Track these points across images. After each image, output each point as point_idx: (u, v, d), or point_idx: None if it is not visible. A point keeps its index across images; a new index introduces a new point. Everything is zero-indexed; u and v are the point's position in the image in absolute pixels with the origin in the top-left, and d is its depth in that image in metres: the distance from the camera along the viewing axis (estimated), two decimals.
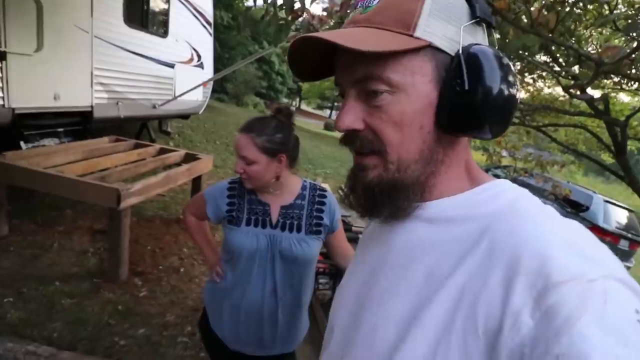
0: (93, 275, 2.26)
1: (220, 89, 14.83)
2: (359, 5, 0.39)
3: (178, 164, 3.16)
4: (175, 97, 4.45)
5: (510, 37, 1.49)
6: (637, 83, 2.84)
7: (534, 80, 3.91)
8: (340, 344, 0.45)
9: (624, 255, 5.02)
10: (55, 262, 2.32)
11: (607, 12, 1.98)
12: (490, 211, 0.36)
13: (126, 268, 2.29)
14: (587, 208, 5.26)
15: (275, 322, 1.01)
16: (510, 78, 0.36)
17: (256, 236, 0.99)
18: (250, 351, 1.04)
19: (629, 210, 5.52)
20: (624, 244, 5.08)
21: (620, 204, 5.51)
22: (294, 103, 24.79)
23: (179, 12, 4.58)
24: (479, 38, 0.39)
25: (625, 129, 2.07)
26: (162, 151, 3.32)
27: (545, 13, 1.30)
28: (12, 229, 2.51)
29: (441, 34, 0.36)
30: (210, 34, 5.44)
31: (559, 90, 4.07)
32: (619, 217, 5.33)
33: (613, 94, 3.58)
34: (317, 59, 0.41)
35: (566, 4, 1.49)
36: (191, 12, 4.88)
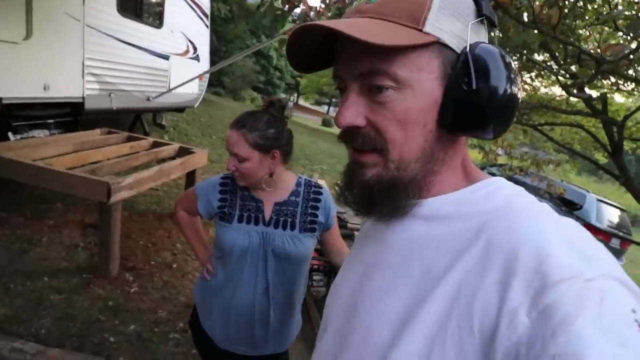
0: (83, 271, 2.22)
1: (217, 82, 14.71)
2: None
3: (172, 158, 3.11)
4: (169, 90, 4.38)
5: (511, 33, 1.46)
6: (633, 84, 2.85)
7: (532, 79, 3.91)
8: (335, 342, 0.44)
9: (615, 254, 5.04)
10: (44, 257, 2.27)
11: (606, 11, 1.97)
12: (487, 209, 0.36)
13: (117, 263, 2.26)
14: (581, 207, 5.34)
15: (267, 322, 0.98)
16: (515, 78, 0.35)
17: (248, 233, 0.96)
18: (242, 351, 1.02)
19: (621, 209, 5.62)
20: (615, 243, 5.17)
21: (613, 203, 5.61)
22: (292, 98, 24.69)
23: (175, 3, 4.49)
24: (482, 36, 0.39)
25: (622, 129, 2.07)
26: (156, 144, 3.27)
27: (546, 10, 1.28)
28: (0, 223, 2.45)
29: (449, 31, 0.35)
30: (207, 26, 5.35)
31: (555, 90, 4.08)
32: (611, 215, 5.42)
33: (609, 95, 3.59)
34: (316, 49, 0.40)
35: (567, 1, 1.47)
36: (187, 2, 4.79)
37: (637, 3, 1.94)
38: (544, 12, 1.27)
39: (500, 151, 4.26)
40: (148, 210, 3.22)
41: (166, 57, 4.42)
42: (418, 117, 0.36)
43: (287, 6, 1.46)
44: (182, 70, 4.67)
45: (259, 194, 0.99)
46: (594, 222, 5.09)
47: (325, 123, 19.23)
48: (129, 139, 3.25)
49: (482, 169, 0.55)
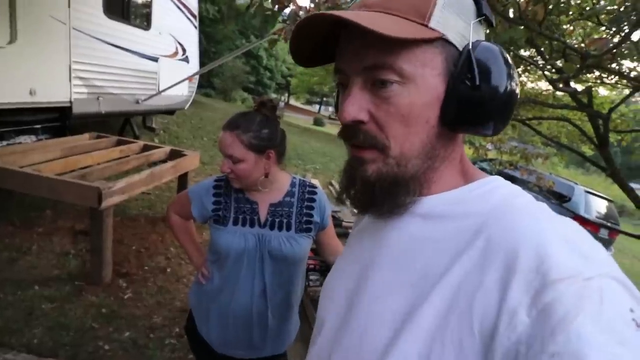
0: (75, 278, 2.18)
1: (207, 83, 14.57)
2: None
3: (163, 161, 3.07)
4: (159, 92, 4.33)
5: (498, 30, 1.48)
6: (617, 77, 2.92)
7: (519, 75, 3.97)
8: (330, 342, 0.44)
9: (604, 244, 5.11)
10: (34, 265, 2.23)
11: (589, 7, 2.01)
12: (485, 208, 0.36)
13: (110, 269, 2.22)
14: (569, 199, 5.45)
15: (265, 324, 0.98)
16: (514, 75, 0.36)
17: (244, 236, 0.95)
18: (240, 354, 1.01)
19: (608, 200, 5.74)
20: (603, 233, 5.29)
21: (600, 194, 5.73)
22: (282, 98, 24.61)
23: (163, 4, 4.43)
24: (481, 35, 0.39)
25: (607, 121, 2.11)
26: (146, 148, 3.23)
27: (532, 7, 1.30)
28: None
29: (453, 27, 0.36)
30: (196, 27, 5.30)
31: (541, 84, 4.14)
32: (599, 207, 5.54)
33: (594, 88, 3.66)
34: (318, 42, 0.40)
35: None
36: (175, 4, 4.73)
37: None
38: (530, 8, 1.29)
39: (490, 146, 4.32)
40: (140, 215, 3.18)
41: (155, 59, 4.37)
42: (421, 113, 0.36)
43: (276, 6, 1.46)
44: (172, 72, 4.62)
45: (254, 195, 0.99)
46: (582, 213, 5.20)
47: (317, 122, 19.20)
48: (119, 143, 3.21)
49: (474, 163, 0.56)
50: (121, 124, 4.78)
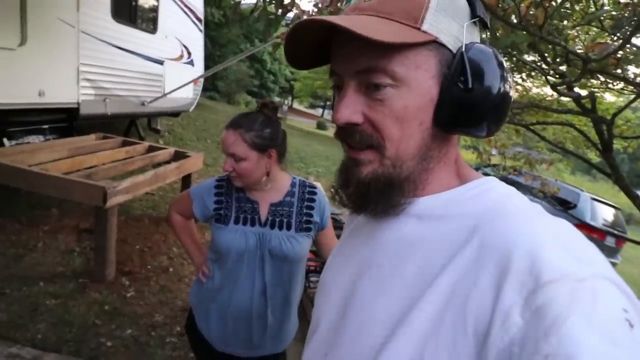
0: (79, 275, 2.21)
1: (211, 87, 14.71)
2: None
3: (167, 162, 3.10)
4: (164, 94, 4.38)
5: (500, 35, 1.49)
6: (622, 83, 2.90)
7: (523, 80, 3.95)
8: (325, 341, 0.44)
9: (610, 252, 5.14)
10: (39, 262, 2.26)
11: (592, 12, 2.01)
12: (479, 209, 0.36)
13: (113, 268, 2.25)
14: (575, 205, 5.36)
15: (264, 323, 0.99)
16: (507, 77, 0.36)
17: (245, 235, 0.97)
18: (239, 353, 1.02)
19: (615, 208, 5.65)
20: (610, 241, 5.19)
21: (607, 202, 5.64)
22: (286, 102, 24.71)
23: (169, 8, 4.51)
24: (476, 37, 0.39)
25: (611, 126, 2.10)
26: (151, 149, 3.27)
27: (533, 11, 1.31)
28: None
29: (446, 30, 0.36)
30: (201, 31, 5.37)
31: (546, 90, 4.13)
32: (605, 214, 5.45)
33: (599, 94, 3.64)
34: (313, 46, 0.40)
35: (553, 1, 1.50)
36: (181, 8, 4.80)
37: (622, 3, 1.98)
38: (530, 13, 1.30)
39: (494, 151, 4.30)
40: (144, 215, 3.22)
41: (161, 62, 4.43)
42: (415, 115, 0.36)
43: (280, 11, 1.48)
44: (177, 75, 4.67)
45: (255, 195, 1.00)
46: (588, 220, 5.11)
47: (320, 126, 19.19)
48: (124, 144, 3.25)
49: (477, 169, 0.56)
50: (127, 125, 4.84)
